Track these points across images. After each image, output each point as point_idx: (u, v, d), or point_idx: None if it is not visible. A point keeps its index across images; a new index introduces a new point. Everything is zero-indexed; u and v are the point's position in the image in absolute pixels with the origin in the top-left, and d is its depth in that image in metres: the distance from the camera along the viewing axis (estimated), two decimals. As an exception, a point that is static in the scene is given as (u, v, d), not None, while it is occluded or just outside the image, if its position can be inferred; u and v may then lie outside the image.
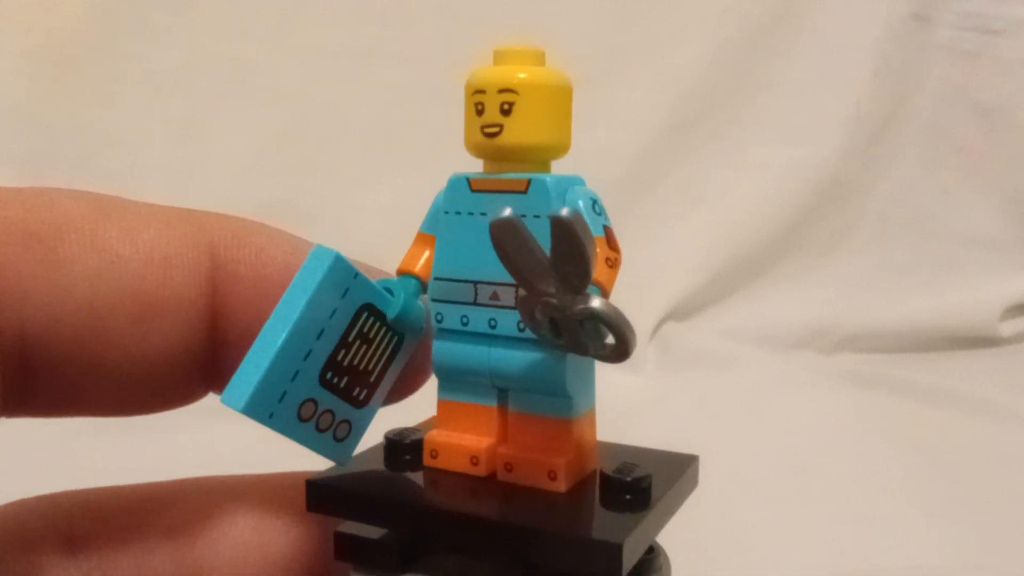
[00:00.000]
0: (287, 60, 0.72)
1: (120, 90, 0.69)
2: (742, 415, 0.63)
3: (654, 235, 0.76)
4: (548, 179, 0.20)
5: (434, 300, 0.21)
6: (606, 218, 0.20)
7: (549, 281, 0.17)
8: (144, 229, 0.19)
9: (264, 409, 0.19)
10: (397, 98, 0.74)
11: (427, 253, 0.22)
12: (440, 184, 0.21)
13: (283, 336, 0.19)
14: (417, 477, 0.21)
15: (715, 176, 0.80)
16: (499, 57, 0.20)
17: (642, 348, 0.72)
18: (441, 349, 0.21)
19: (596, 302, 0.17)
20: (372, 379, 0.21)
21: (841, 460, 0.54)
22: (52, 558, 0.20)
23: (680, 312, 0.78)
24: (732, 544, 0.43)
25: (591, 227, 0.17)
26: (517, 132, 0.20)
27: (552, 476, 0.20)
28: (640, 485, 0.19)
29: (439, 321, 0.21)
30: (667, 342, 0.75)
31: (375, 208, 0.71)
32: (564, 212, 0.16)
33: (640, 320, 0.73)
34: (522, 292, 0.18)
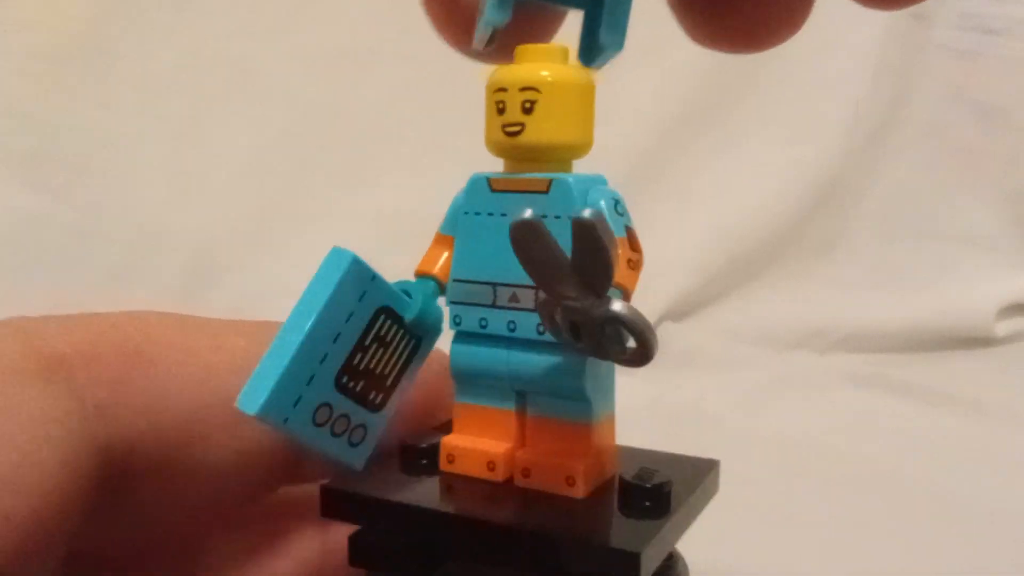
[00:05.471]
0: (287, 60, 0.72)
1: (120, 90, 0.69)
2: (740, 415, 0.63)
3: (652, 235, 0.75)
4: (570, 179, 0.20)
5: (452, 302, 0.21)
6: (628, 219, 0.20)
7: (570, 284, 0.17)
8: (228, 337, 0.20)
9: (279, 413, 0.19)
10: (397, 98, 0.74)
11: (446, 254, 0.21)
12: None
13: (299, 340, 0.19)
14: (433, 482, 0.21)
15: (714, 176, 0.80)
16: (521, 55, 0.20)
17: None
18: (459, 352, 0.21)
19: (618, 305, 0.17)
20: (388, 383, 0.21)
21: (838, 460, 0.54)
22: None
23: (678, 312, 0.78)
24: (729, 544, 0.43)
25: (613, 228, 0.17)
26: (539, 131, 0.19)
27: (570, 482, 0.20)
28: (660, 491, 0.19)
29: (457, 324, 0.21)
30: (665, 342, 0.75)
31: (375, 208, 0.71)
32: (586, 214, 0.16)
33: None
34: (542, 295, 0.18)
